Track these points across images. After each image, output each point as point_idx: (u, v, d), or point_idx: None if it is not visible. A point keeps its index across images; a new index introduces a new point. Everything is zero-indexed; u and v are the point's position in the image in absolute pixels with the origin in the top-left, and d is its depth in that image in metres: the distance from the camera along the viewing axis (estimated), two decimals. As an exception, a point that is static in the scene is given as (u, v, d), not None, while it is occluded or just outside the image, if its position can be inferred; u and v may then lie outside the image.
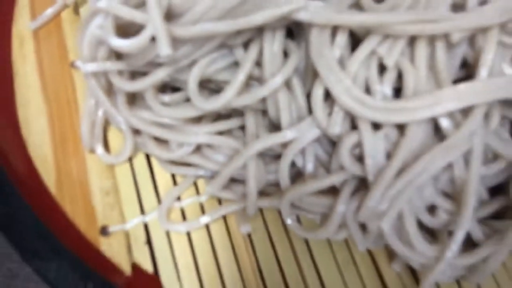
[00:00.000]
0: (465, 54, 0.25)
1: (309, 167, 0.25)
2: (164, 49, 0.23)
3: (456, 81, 0.24)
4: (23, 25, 0.35)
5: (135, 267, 0.27)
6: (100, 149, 0.29)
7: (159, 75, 0.25)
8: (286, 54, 0.25)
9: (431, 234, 0.25)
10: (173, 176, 0.30)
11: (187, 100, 0.28)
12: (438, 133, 0.23)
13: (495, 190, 0.27)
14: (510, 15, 0.22)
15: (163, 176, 0.30)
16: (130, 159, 0.30)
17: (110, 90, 0.29)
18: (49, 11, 0.35)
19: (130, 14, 0.24)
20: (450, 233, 0.24)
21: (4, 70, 0.34)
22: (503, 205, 0.26)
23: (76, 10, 0.36)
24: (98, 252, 0.27)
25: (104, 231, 0.27)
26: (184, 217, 0.29)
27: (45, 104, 0.32)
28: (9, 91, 0.33)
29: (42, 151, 0.31)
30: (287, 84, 0.25)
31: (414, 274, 0.27)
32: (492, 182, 0.25)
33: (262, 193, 0.27)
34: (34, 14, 0.36)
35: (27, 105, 0.32)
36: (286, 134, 0.24)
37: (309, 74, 0.25)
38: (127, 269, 0.27)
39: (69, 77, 0.34)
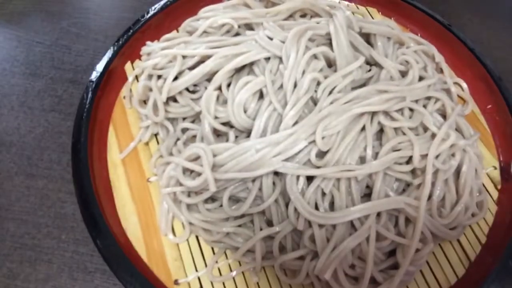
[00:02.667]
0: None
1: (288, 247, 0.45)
2: (212, 187, 0.44)
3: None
4: (114, 156, 0.53)
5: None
6: (170, 234, 0.49)
7: (208, 195, 0.47)
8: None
9: (354, 279, 0.45)
10: (212, 248, 0.48)
11: (221, 206, 0.48)
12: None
13: (391, 252, 0.48)
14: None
15: (207, 248, 0.48)
16: (187, 239, 0.49)
17: (175, 200, 0.50)
18: (131, 145, 0.53)
19: (191, 166, 0.46)
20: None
21: (106, 185, 0.51)
22: (395, 262, 0.47)
23: (146, 143, 0.55)
24: (174, 295, 0.46)
25: (176, 282, 0.46)
26: (220, 273, 0.47)
27: (135, 206, 0.50)
28: (111, 199, 0.50)
29: (136, 235, 0.48)
30: (277, 201, 0.46)
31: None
32: (386, 249, 0.46)
33: (264, 257, 0.47)
34: (121, 147, 0.54)
35: (124, 207, 0.50)
36: (276, 229, 0.45)
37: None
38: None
39: (147, 188, 0.51)
